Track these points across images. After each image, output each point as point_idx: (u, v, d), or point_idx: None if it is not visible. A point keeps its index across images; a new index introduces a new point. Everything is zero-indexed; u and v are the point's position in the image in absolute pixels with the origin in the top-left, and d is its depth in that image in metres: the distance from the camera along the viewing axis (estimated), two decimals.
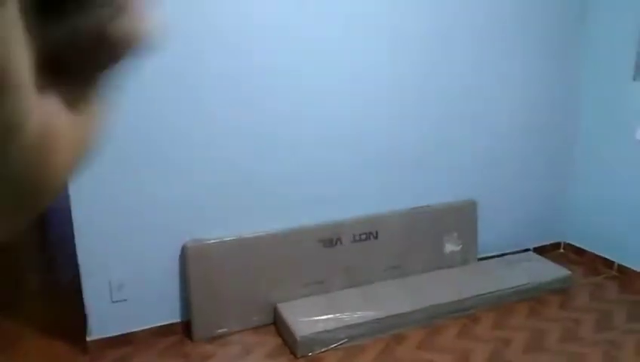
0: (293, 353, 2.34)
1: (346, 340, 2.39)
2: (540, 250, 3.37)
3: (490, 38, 2.88)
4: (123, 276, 2.35)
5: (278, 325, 2.54)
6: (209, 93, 2.32)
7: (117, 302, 2.37)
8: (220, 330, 2.48)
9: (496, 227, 3.20)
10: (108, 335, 2.39)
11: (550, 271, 2.97)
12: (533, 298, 2.84)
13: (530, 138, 3.18)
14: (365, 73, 2.63)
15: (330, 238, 2.67)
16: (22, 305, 2.83)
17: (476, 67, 2.89)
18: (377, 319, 2.46)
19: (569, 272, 2.97)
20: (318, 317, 2.43)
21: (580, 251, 3.37)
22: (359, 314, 2.47)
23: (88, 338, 2.36)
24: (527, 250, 3.34)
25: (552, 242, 3.47)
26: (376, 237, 2.78)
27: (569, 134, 3.30)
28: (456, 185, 3.03)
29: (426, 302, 2.60)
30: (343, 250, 2.71)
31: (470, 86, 2.91)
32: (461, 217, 3.02)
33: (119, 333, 2.41)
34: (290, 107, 2.50)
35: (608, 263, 3.18)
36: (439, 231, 2.97)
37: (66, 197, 2.20)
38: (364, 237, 2.75)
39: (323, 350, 2.35)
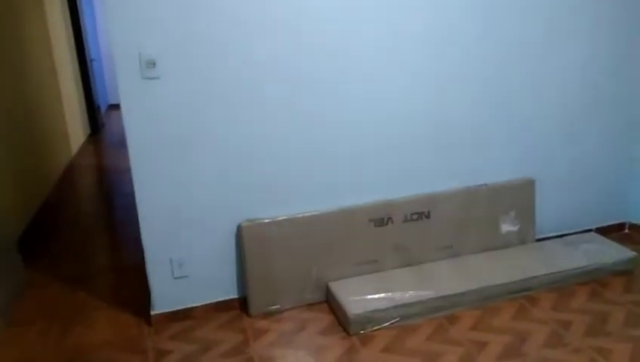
0: (345, 330, 2.38)
1: (398, 319, 2.40)
2: (603, 231, 3.23)
3: (556, 16, 2.74)
4: (183, 255, 2.46)
5: (330, 303, 2.59)
6: (264, 73, 2.36)
7: (178, 278, 2.49)
8: (274, 307, 2.56)
9: (555, 206, 3.09)
10: (170, 310, 2.52)
11: (613, 252, 2.85)
12: (595, 280, 2.74)
13: (593, 115, 3.02)
14: (420, 48, 2.57)
15: (381, 218, 2.67)
16: (93, 280, 3.03)
17: (539, 44, 2.77)
18: (430, 299, 2.45)
19: (634, 253, 2.83)
20: (370, 296, 2.45)
21: None
22: (411, 293, 2.47)
23: (152, 312, 2.50)
24: (589, 230, 3.21)
25: (616, 222, 3.31)
26: (428, 217, 2.76)
27: (633, 107, 3.11)
28: (513, 162, 2.93)
29: (481, 282, 2.56)
30: (394, 230, 2.70)
31: (532, 63, 2.79)
32: (518, 196, 2.93)
33: (181, 308, 2.53)
34: (341, 85, 2.49)
35: None
36: (495, 210, 2.90)
37: (131, 182, 2.31)
38: (415, 217, 2.74)
39: (375, 328, 2.38)
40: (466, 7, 2.60)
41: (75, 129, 6.31)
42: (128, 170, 2.33)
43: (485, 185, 2.86)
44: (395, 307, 2.40)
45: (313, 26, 2.37)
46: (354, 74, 2.50)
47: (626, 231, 3.33)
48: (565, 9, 2.77)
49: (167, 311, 2.51)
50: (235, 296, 2.61)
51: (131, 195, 2.36)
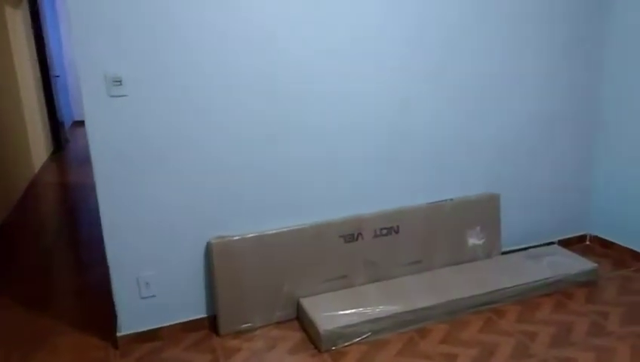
0: (317, 347, 2.37)
1: (369, 334, 2.41)
2: (566, 243, 3.33)
3: (512, 29, 2.85)
4: (150, 273, 2.42)
5: (301, 320, 2.58)
6: (233, 90, 2.36)
7: (145, 298, 2.43)
8: (245, 325, 2.53)
9: (519, 220, 3.17)
10: (137, 331, 2.46)
11: (576, 263, 2.93)
12: (559, 291, 2.81)
13: (554, 130, 3.14)
14: (387, 68, 2.63)
15: (351, 233, 2.69)
16: (56, 303, 2.93)
17: (497, 59, 2.87)
18: (400, 313, 2.47)
19: (595, 265, 2.92)
20: (341, 312, 2.45)
21: (607, 243, 3.32)
22: (382, 308, 2.48)
23: (118, 334, 2.44)
24: (551, 243, 3.30)
25: (577, 234, 3.42)
26: (397, 232, 2.79)
27: (593, 126, 3.24)
28: (478, 178, 3.01)
29: (449, 296, 2.60)
30: (364, 245, 2.72)
31: (492, 78, 2.88)
32: (484, 211, 3.00)
33: (148, 329, 2.47)
34: (310, 102, 2.52)
35: (636, 255, 3.13)
36: (462, 225, 2.96)
37: (95, 200, 2.27)
38: (385, 232, 2.77)
39: (346, 344, 2.37)
40: (431, 26, 2.67)
41: (38, 146, 6.15)
42: (93, 187, 2.28)
43: (451, 199, 2.92)
44: (366, 322, 2.40)
45: (284, 41, 2.39)
46: (322, 90, 2.53)
47: (587, 242, 3.44)
48: (520, 22, 2.88)
49: (134, 332, 2.45)
50: (205, 315, 2.57)
51: (96, 213, 2.31)
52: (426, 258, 2.88)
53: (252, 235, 2.50)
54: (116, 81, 2.14)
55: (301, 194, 2.62)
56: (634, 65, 3.00)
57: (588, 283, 2.89)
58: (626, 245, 3.20)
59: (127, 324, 2.44)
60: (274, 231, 2.55)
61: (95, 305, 2.86)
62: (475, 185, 3.00)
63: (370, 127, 2.68)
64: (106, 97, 2.15)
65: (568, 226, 3.37)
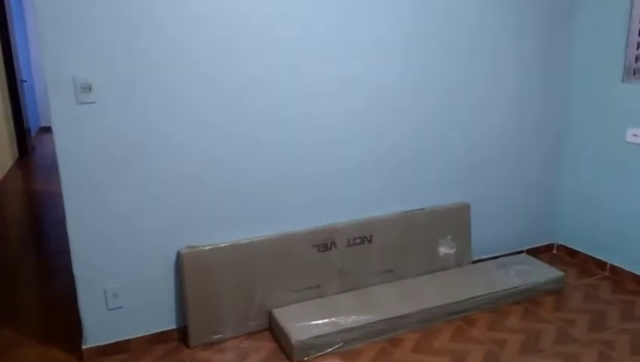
0: (289, 358, 2.35)
1: (341, 344, 2.40)
2: (534, 252, 3.40)
3: (480, 40, 2.92)
4: (118, 284, 2.36)
5: (273, 330, 2.55)
6: (199, 99, 2.34)
7: (113, 309, 2.37)
8: (216, 336, 2.49)
9: (489, 229, 3.23)
10: (104, 343, 2.39)
11: (544, 272, 3.00)
12: (528, 299, 2.86)
13: (521, 140, 3.21)
14: (357, 76, 2.65)
15: (324, 243, 2.69)
16: (19, 315, 2.83)
17: (466, 69, 2.93)
18: (372, 322, 2.47)
19: (562, 273, 2.99)
20: (313, 322, 2.44)
21: (573, 252, 3.40)
22: (354, 317, 2.48)
23: (84, 346, 2.37)
24: (520, 251, 3.37)
25: (545, 244, 3.49)
26: (370, 241, 2.80)
27: (559, 136, 3.33)
28: (449, 187, 3.05)
29: (421, 305, 2.62)
30: (337, 254, 2.72)
31: (461, 88, 2.94)
32: (454, 220, 3.04)
33: (115, 341, 2.41)
34: (281, 110, 2.52)
35: (601, 264, 3.21)
36: (433, 234, 2.99)
37: (62, 208, 2.20)
38: (358, 241, 2.77)
39: (319, 354, 2.36)
40: (407, 38, 2.71)
41: (3, 152, 5.97)
42: (59, 195, 2.22)
43: (422, 209, 2.95)
44: (338, 332, 2.40)
45: (251, 54, 2.39)
46: (293, 100, 2.53)
47: (554, 251, 3.52)
48: (488, 32, 2.95)
49: (100, 344, 2.38)
50: (174, 327, 2.52)
51: (62, 222, 2.25)
52: (399, 267, 2.90)
53: (224, 245, 2.47)
54: (85, 88, 2.10)
55: (274, 203, 2.60)
56: (599, 76, 3.10)
57: (555, 292, 2.95)
58: (591, 254, 3.28)
59: (94, 336, 2.37)
60: (246, 241, 2.52)
61: (60, 316, 2.77)
62: (446, 194, 3.05)
63: (344, 138, 2.69)
64: (75, 104, 2.11)
65: (536, 235, 3.45)
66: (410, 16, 2.70)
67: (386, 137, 2.80)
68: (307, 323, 2.43)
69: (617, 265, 3.12)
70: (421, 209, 2.95)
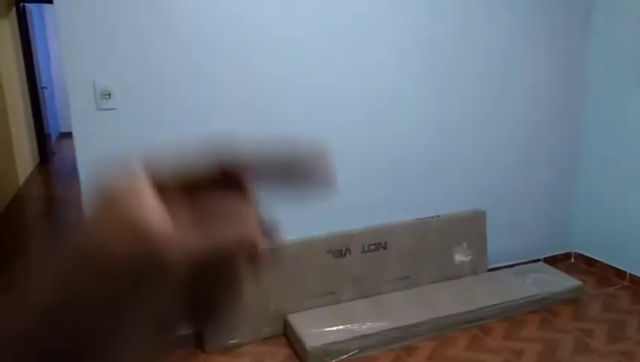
0: None
1: (356, 351, 2.40)
2: (551, 260, 3.36)
3: (497, 47, 2.91)
4: None
5: (288, 336, 2.56)
6: (221, 105, 2.37)
7: None
8: (231, 341, 2.51)
9: (505, 237, 3.20)
10: None
11: (561, 281, 2.96)
12: (545, 308, 2.83)
13: (538, 148, 3.19)
14: (373, 83, 2.66)
15: (339, 249, 2.69)
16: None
17: (482, 76, 2.92)
18: (387, 330, 2.46)
19: (580, 282, 2.95)
20: (328, 328, 2.44)
21: (591, 261, 3.35)
22: (369, 324, 2.48)
23: None
24: (537, 260, 3.33)
25: (562, 252, 3.45)
26: (385, 248, 2.80)
27: (577, 144, 3.30)
28: (465, 195, 3.03)
29: (436, 312, 2.60)
30: (352, 261, 2.72)
31: (477, 97, 2.93)
32: (470, 227, 3.02)
33: None
34: (296, 117, 2.53)
35: (620, 273, 3.16)
36: (448, 241, 2.97)
37: (82, 213, 2.24)
38: (373, 247, 2.77)
39: (333, 361, 2.36)
40: (418, 41, 2.71)
41: (24, 158, 6.08)
42: (79, 200, 2.26)
43: (438, 216, 2.94)
44: (353, 339, 2.39)
45: (264, 55, 2.41)
46: (308, 107, 2.55)
47: (572, 260, 3.47)
48: (504, 40, 2.94)
49: None
50: (190, 331, 2.54)
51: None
52: (414, 274, 2.89)
53: None
54: (105, 95, 2.14)
55: (289, 209, 2.61)
56: (617, 81, 3.06)
57: (573, 301, 2.91)
58: (609, 263, 3.24)
59: None
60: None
61: None
62: (462, 202, 3.03)
63: (358, 145, 2.70)
64: (95, 111, 2.15)
65: (553, 244, 3.41)
66: (427, 26, 2.70)
67: (402, 144, 2.80)
68: (322, 329, 2.43)
69: (637, 274, 3.07)
70: (437, 216, 2.94)
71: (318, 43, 2.50)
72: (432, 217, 2.93)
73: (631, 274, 3.10)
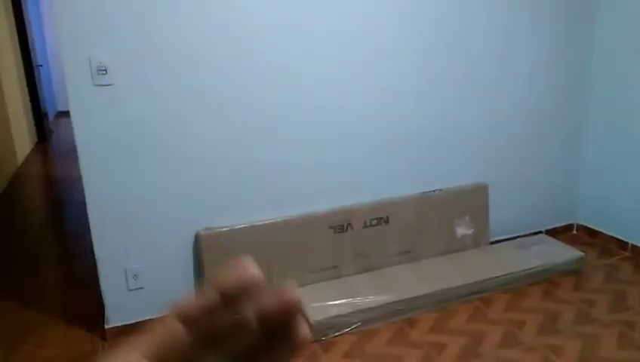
0: None
1: (359, 324, 2.41)
2: (553, 232, 3.36)
3: (502, 23, 2.85)
4: (138, 265, 2.39)
5: None
6: (219, 81, 2.33)
7: (133, 290, 2.41)
8: None
9: (507, 210, 3.19)
10: (125, 323, 2.43)
11: (563, 252, 2.96)
12: (547, 280, 2.84)
13: (541, 120, 3.15)
14: (373, 58, 2.61)
15: (340, 224, 2.68)
16: (42, 295, 2.89)
17: (486, 51, 2.87)
18: (390, 303, 2.48)
19: (582, 254, 2.95)
20: (330, 302, 2.45)
21: (593, 232, 3.35)
22: (372, 298, 2.49)
23: (106, 326, 2.41)
24: (539, 232, 3.33)
25: (564, 224, 3.44)
26: (387, 222, 2.79)
27: (579, 113, 3.26)
28: (466, 168, 3.02)
29: (438, 285, 2.61)
30: (354, 236, 2.72)
31: (480, 69, 2.88)
32: (472, 201, 3.01)
33: (136, 321, 2.45)
34: (298, 94, 2.50)
35: (622, 244, 3.16)
36: (450, 215, 2.96)
37: (81, 191, 2.23)
38: (375, 222, 2.76)
39: (336, 334, 2.38)
40: (419, 17, 2.66)
41: (21, 137, 6.05)
42: (79, 178, 2.24)
43: (440, 190, 2.93)
44: (356, 312, 2.41)
45: (266, 41, 2.37)
46: (309, 83, 2.51)
47: (574, 232, 3.47)
48: (509, 16, 2.88)
49: (122, 324, 2.43)
50: None
51: (82, 205, 2.28)
52: (416, 248, 2.89)
53: (241, 226, 2.49)
54: (101, 70, 2.10)
55: (291, 185, 2.60)
56: (622, 50, 3.01)
57: (575, 272, 2.92)
58: (611, 234, 3.23)
59: (116, 316, 2.42)
60: (263, 223, 2.53)
61: (83, 297, 2.83)
62: (464, 175, 3.01)
63: (359, 119, 2.67)
64: (91, 87, 2.11)
65: (555, 216, 3.40)
66: (435, 1, 2.65)
67: (403, 118, 2.77)
68: (325, 303, 2.45)
69: (639, 245, 3.07)
70: (439, 190, 2.93)
71: (325, 18, 2.44)
72: (434, 191, 2.91)
73: (633, 245, 3.10)
